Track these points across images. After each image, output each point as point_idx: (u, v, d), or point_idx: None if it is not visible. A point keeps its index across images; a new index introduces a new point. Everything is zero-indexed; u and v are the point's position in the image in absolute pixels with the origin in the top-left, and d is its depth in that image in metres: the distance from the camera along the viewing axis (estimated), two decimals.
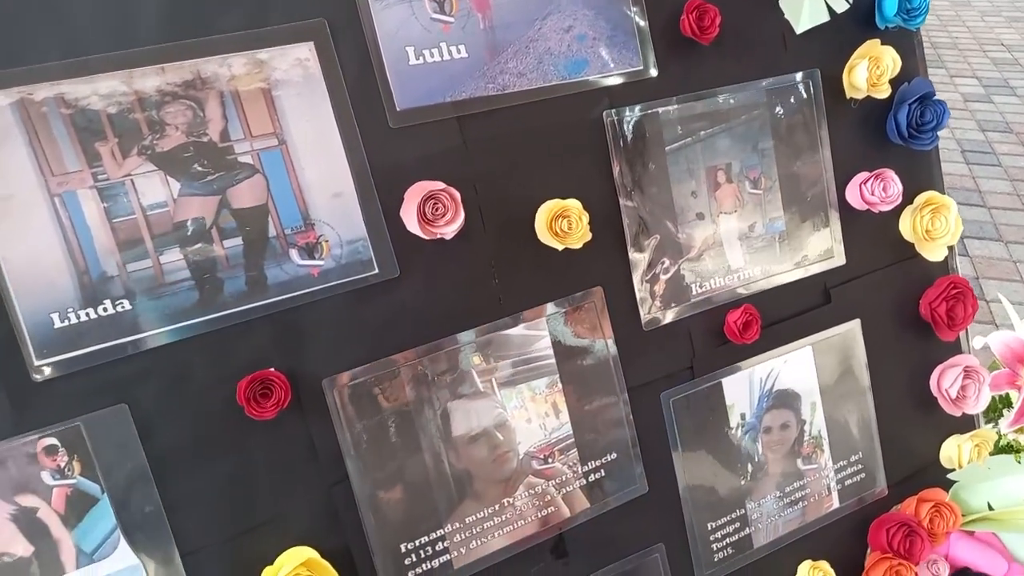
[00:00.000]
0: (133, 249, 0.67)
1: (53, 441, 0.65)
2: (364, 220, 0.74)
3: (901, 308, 1.05)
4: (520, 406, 0.83)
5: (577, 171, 0.84)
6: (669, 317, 0.90)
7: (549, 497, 0.84)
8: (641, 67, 0.86)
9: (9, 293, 0.63)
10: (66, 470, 0.65)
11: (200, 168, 0.69)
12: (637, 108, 0.86)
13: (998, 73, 4.73)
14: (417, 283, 0.77)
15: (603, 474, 0.87)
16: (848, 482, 1.03)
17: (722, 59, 0.90)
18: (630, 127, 0.86)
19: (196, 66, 0.68)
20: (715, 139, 0.91)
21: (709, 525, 0.94)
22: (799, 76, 0.95)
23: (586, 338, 0.85)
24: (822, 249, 0.98)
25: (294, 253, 0.72)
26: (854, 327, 1.01)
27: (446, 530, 0.80)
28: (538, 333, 0.83)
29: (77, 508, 0.66)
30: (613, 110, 0.84)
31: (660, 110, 0.87)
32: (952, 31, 5.61)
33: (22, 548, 0.64)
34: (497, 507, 0.82)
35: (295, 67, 0.71)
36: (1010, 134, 3.77)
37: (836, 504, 1.02)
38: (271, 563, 0.72)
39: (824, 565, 1.00)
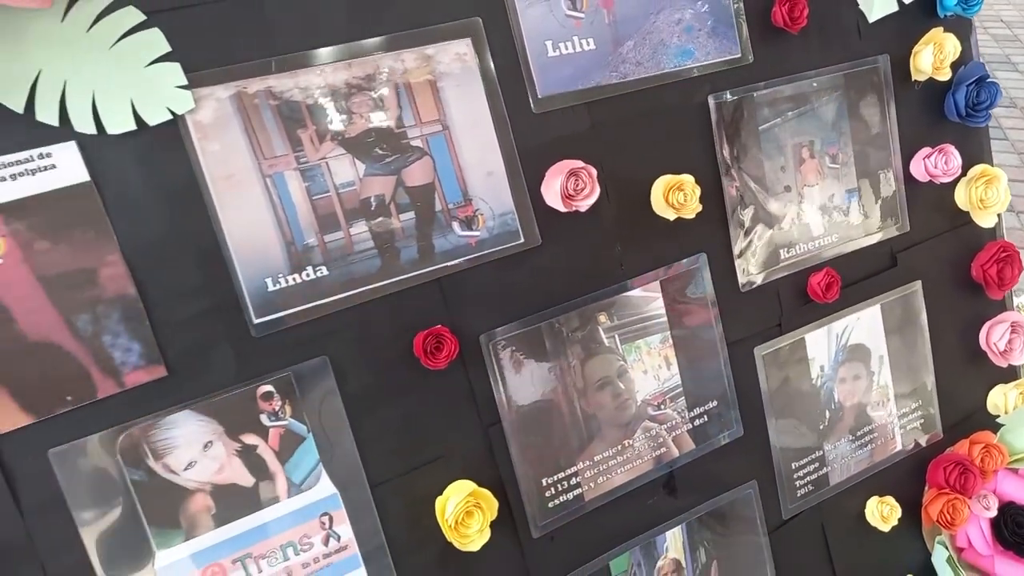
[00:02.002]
0: (329, 223, 0.77)
1: (269, 388, 0.76)
2: (512, 195, 0.84)
3: (955, 270, 1.16)
4: (638, 359, 0.94)
5: (685, 149, 0.94)
6: (761, 280, 1.00)
7: (662, 439, 0.96)
8: (739, 55, 0.96)
9: (232, 261, 0.73)
10: (279, 413, 0.76)
11: (380, 151, 0.79)
12: (736, 92, 0.96)
13: (999, 49, 4.82)
14: (554, 251, 0.87)
15: (706, 419, 0.98)
16: (909, 427, 1.15)
17: (806, 46, 1.00)
18: (730, 109, 0.96)
19: (376, 61, 0.78)
20: (800, 119, 1.01)
21: (793, 465, 1.06)
22: (872, 61, 1.05)
23: (693, 299, 0.96)
24: (890, 217, 1.09)
25: (456, 225, 0.82)
26: (916, 288, 1.12)
27: (578, 467, 0.91)
28: (653, 295, 0.94)
29: (288, 445, 0.77)
30: (719, 94, 0.94)
31: (755, 93, 0.97)
32: None
33: (246, 479, 0.75)
34: (619, 447, 0.93)
35: (455, 61, 0.81)
36: (1014, 109, 3.88)
37: (899, 446, 1.14)
38: (440, 494, 0.83)
39: (890, 500, 1.12)
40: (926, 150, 1.09)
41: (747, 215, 0.98)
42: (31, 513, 0.68)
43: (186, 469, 0.73)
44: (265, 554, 0.76)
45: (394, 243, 0.80)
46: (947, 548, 1.15)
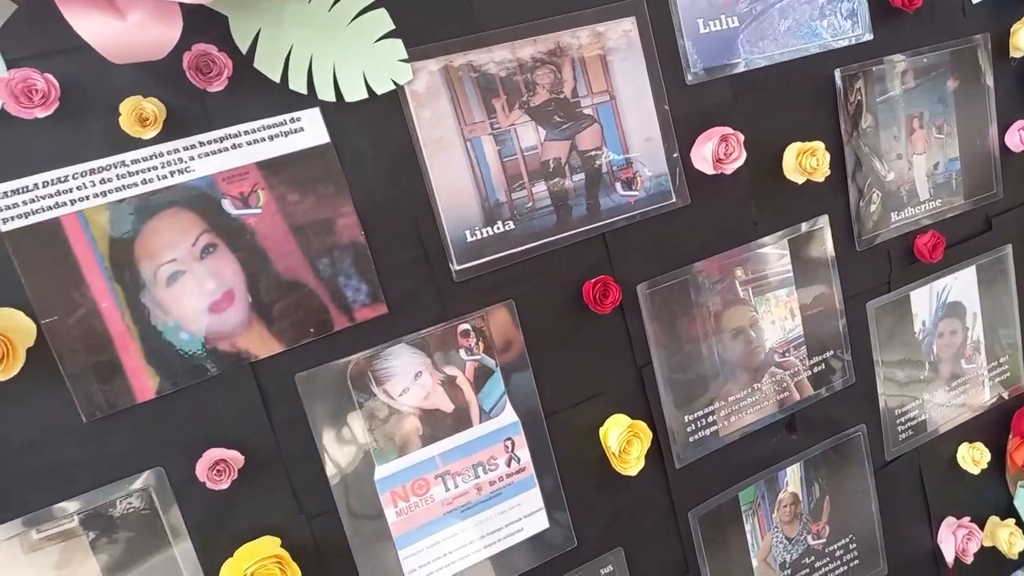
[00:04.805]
0: (516, 182, 0.87)
1: (467, 326, 0.86)
2: (666, 159, 0.94)
3: None
4: (767, 310, 1.03)
5: (812, 119, 1.03)
6: (875, 240, 1.10)
7: (785, 384, 1.06)
8: (861, 32, 1.04)
9: (440, 214, 0.84)
10: (474, 348, 0.87)
11: (558, 118, 0.88)
12: (858, 67, 1.04)
13: None
14: (700, 210, 0.97)
15: (824, 367, 1.08)
16: (997, 379, 1.24)
17: (918, 25, 1.09)
18: (853, 82, 1.04)
19: (556, 38, 0.87)
20: (912, 92, 1.10)
21: (896, 411, 1.16)
22: (974, 39, 1.13)
23: (815, 257, 1.05)
24: (986, 184, 1.18)
25: (618, 185, 0.92)
26: (1007, 251, 1.21)
27: (715, 406, 1.01)
28: (781, 251, 1.03)
29: (480, 378, 0.87)
30: (845, 68, 1.03)
31: (874, 68, 1.06)
32: None
33: (447, 406, 0.86)
34: (749, 390, 1.03)
35: (622, 37, 0.90)
36: None
37: (987, 397, 1.24)
38: (601, 425, 0.94)
39: (980, 445, 1.22)
40: (1021, 122, 1.17)
41: (864, 180, 1.07)
42: (280, 428, 0.79)
43: (401, 395, 0.84)
44: (460, 472, 0.87)
45: (567, 201, 0.90)
46: None
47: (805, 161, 0.98)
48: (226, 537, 0.77)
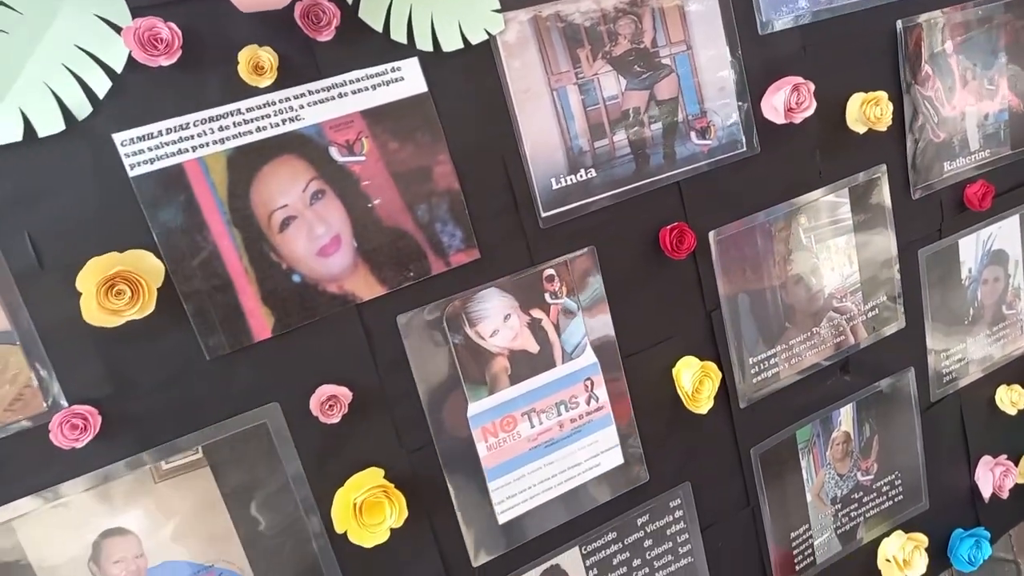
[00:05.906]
0: (598, 131, 0.90)
1: (551, 271, 0.90)
2: (738, 109, 0.97)
3: None
4: (827, 257, 1.07)
5: (873, 69, 1.06)
6: (929, 190, 1.13)
7: (842, 328, 1.10)
8: None
9: (528, 162, 0.86)
10: (558, 292, 0.90)
11: (638, 68, 0.91)
12: (916, 18, 1.06)
13: None
14: (768, 159, 1.00)
15: (877, 312, 1.12)
16: None
17: None
18: (912, 34, 1.07)
19: None
20: (966, 43, 1.12)
21: (942, 355, 1.21)
22: None
23: (873, 205, 1.09)
24: None
25: (693, 135, 0.95)
26: None
27: (777, 349, 1.06)
28: (842, 200, 1.07)
29: (563, 320, 0.91)
30: (907, 19, 1.05)
31: (931, 20, 1.08)
32: None
33: (533, 347, 0.90)
34: (808, 334, 1.08)
35: None
36: None
37: None
38: (672, 367, 0.98)
39: (1017, 387, 1.27)
40: None
41: (920, 130, 1.10)
42: (383, 366, 0.83)
43: (491, 336, 0.88)
44: (545, 409, 0.92)
45: (645, 150, 0.93)
46: None
47: (869, 111, 1.01)
48: (335, 468, 0.82)
